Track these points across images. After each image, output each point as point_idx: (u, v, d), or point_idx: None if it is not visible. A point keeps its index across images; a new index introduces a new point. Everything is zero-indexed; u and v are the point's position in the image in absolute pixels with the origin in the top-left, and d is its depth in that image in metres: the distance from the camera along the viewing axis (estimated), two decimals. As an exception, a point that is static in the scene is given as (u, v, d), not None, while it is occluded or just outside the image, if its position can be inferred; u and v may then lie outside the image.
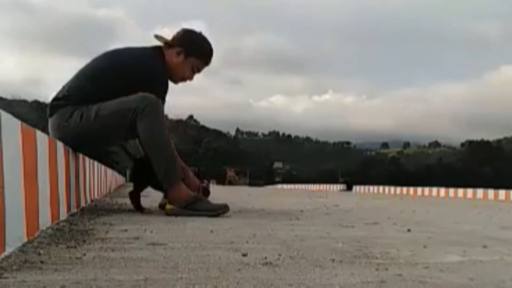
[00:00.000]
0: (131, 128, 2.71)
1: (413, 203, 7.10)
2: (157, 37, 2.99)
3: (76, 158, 2.77)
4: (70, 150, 2.55)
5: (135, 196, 3.01)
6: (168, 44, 2.97)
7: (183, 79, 3.04)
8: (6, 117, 1.36)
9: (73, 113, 2.76)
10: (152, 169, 2.76)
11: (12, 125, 1.44)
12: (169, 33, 3.02)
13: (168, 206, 2.77)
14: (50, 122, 2.83)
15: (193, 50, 2.97)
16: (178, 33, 3.00)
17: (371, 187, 24.70)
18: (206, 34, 3.05)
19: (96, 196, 3.89)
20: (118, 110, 2.71)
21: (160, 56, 2.92)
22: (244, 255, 1.44)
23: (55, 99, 2.86)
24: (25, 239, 1.52)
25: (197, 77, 3.09)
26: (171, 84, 2.97)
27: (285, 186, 42.91)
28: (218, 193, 7.36)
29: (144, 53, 2.91)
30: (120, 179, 11.93)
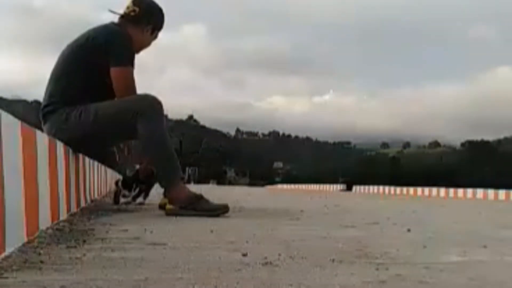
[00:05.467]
0: (131, 129, 2.70)
1: (413, 203, 7.09)
2: (113, 12, 2.97)
3: (76, 158, 2.77)
4: (70, 150, 2.55)
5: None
6: (129, 17, 2.93)
7: (145, 48, 3.07)
8: (6, 117, 1.36)
9: (69, 114, 2.75)
10: None
11: (12, 125, 1.44)
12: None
13: (168, 206, 2.77)
14: (46, 129, 2.78)
15: (158, 25, 3.04)
16: (139, 7, 2.94)
17: (371, 187, 24.68)
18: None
19: (96, 196, 3.88)
20: (118, 111, 2.71)
21: (126, 30, 2.89)
22: (244, 255, 1.44)
23: (45, 106, 2.85)
24: (25, 239, 1.51)
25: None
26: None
27: (285, 186, 42.90)
28: (218, 193, 7.36)
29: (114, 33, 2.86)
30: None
